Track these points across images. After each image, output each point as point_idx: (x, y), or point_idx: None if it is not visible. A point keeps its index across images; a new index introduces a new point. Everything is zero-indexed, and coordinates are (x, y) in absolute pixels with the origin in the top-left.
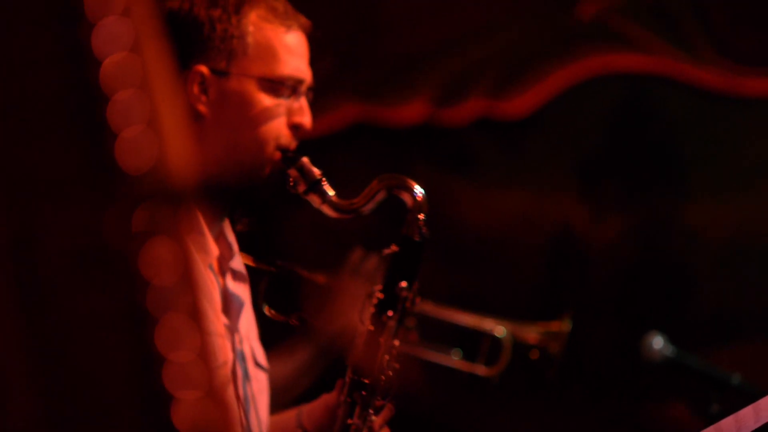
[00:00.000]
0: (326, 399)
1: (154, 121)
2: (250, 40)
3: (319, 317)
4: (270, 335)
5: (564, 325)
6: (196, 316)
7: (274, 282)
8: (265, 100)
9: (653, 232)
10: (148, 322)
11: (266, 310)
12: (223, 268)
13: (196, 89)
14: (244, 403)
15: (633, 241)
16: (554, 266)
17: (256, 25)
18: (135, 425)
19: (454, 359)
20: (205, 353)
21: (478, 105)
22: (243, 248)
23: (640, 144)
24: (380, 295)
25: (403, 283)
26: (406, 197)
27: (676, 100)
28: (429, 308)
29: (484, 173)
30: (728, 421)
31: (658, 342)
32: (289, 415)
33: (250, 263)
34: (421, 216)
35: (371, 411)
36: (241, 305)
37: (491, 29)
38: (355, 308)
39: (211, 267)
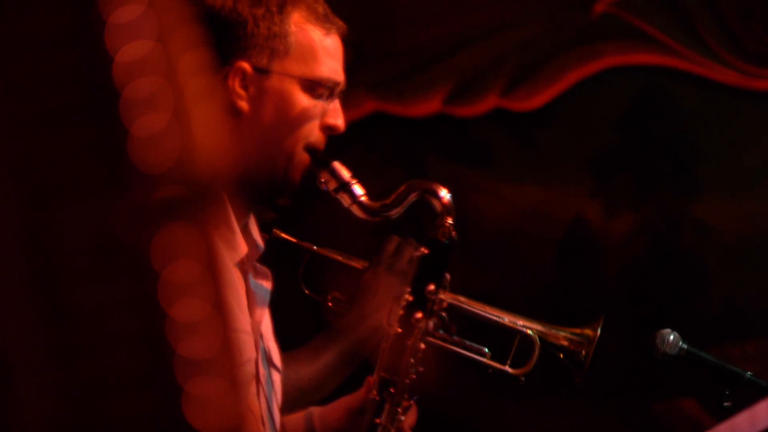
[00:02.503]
0: (346, 401)
1: (179, 114)
2: (292, 39)
3: (353, 307)
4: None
5: (595, 331)
6: (220, 308)
7: (311, 263)
8: (304, 100)
9: (665, 227)
10: (159, 314)
11: (303, 288)
12: (248, 265)
13: (237, 85)
14: (267, 399)
15: (645, 236)
16: (565, 260)
17: (298, 25)
18: (148, 418)
19: (482, 357)
20: (228, 348)
21: (494, 99)
22: (283, 228)
23: (653, 139)
24: (409, 297)
25: (432, 286)
26: (434, 201)
27: (689, 96)
28: (461, 303)
29: (497, 166)
30: (743, 417)
31: (670, 337)
32: (297, 417)
33: (293, 240)
34: (449, 219)
35: (399, 410)
36: (263, 303)
37: (507, 24)
38: (387, 307)
39: (237, 264)
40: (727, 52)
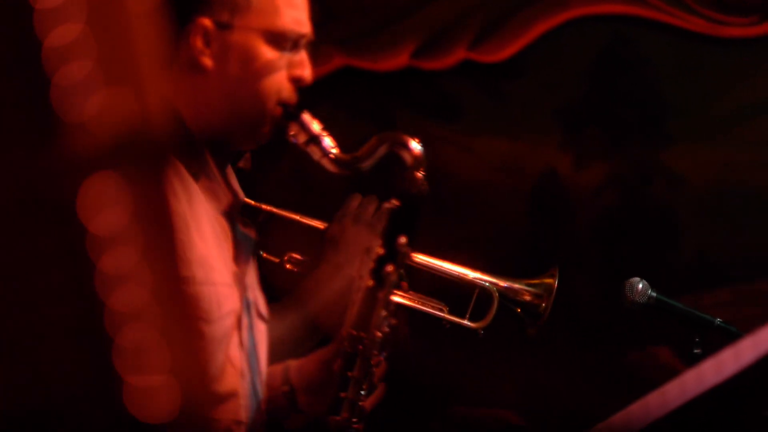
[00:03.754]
0: (320, 354)
1: (105, 63)
2: None
3: (324, 260)
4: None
5: (552, 281)
6: (165, 258)
7: (269, 224)
8: (268, 53)
9: (636, 178)
10: (87, 265)
11: (261, 252)
12: (233, 214)
13: (199, 42)
14: (248, 351)
15: (616, 187)
16: (537, 212)
17: None
18: (79, 370)
19: (441, 312)
20: (175, 298)
21: (461, 52)
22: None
23: (621, 89)
24: (380, 250)
25: (403, 238)
26: (404, 154)
27: (656, 45)
28: (418, 259)
29: (466, 120)
30: (709, 364)
31: (638, 286)
32: (273, 370)
33: (249, 202)
34: (420, 172)
35: (371, 363)
36: (249, 254)
37: None
38: (356, 260)
39: (224, 213)
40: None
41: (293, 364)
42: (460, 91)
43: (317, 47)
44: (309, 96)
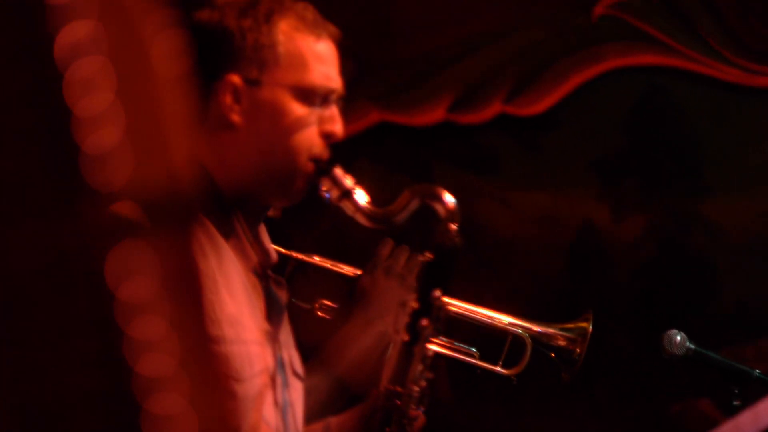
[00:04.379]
0: (358, 410)
1: (135, 129)
2: (281, 49)
3: (355, 313)
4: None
5: (586, 325)
6: (184, 320)
7: (301, 272)
8: (297, 108)
9: (674, 229)
10: (116, 333)
11: (291, 298)
12: (265, 273)
13: (228, 99)
14: (282, 409)
15: (654, 238)
16: (575, 265)
17: (286, 34)
18: None
19: (472, 358)
20: (199, 363)
21: (498, 105)
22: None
23: (658, 140)
24: (414, 304)
25: (437, 292)
26: (438, 207)
27: (692, 95)
28: (452, 309)
29: (504, 173)
30: (746, 416)
31: (677, 338)
32: (316, 429)
33: (279, 250)
34: (454, 225)
35: (405, 421)
36: (281, 312)
37: (508, 30)
38: (391, 312)
39: (255, 272)
40: (728, 50)
41: (334, 420)
42: (497, 144)
43: (353, 103)
44: (346, 151)
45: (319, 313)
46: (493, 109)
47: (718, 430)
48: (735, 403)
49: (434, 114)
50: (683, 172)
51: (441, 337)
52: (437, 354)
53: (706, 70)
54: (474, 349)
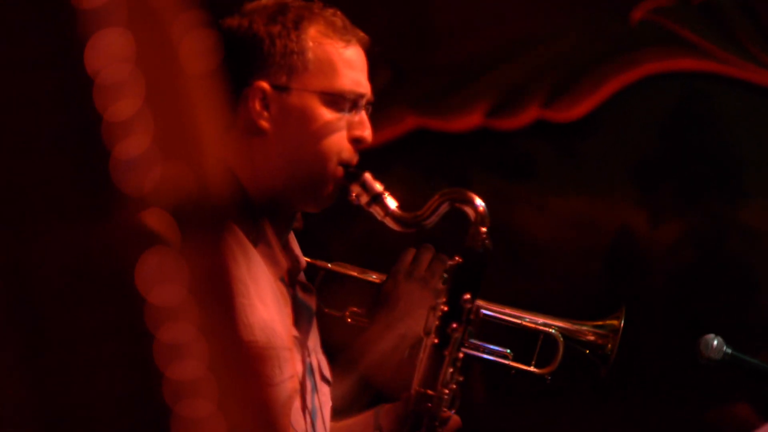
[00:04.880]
0: (395, 406)
1: (164, 135)
2: (310, 55)
3: (376, 317)
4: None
5: (617, 322)
6: (216, 325)
7: (331, 280)
8: (326, 114)
9: (712, 234)
10: (145, 338)
11: (321, 306)
12: (293, 280)
13: (257, 105)
14: (311, 414)
15: (691, 244)
16: (612, 271)
17: (315, 40)
18: None
19: (505, 359)
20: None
21: (535, 111)
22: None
23: (695, 145)
24: (444, 308)
25: (467, 295)
26: (468, 210)
27: (730, 100)
28: (482, 312)
29: (541, 179)
30: None
31: (713, 342)
32: (368, 415)
33: (308, 260)
34: (483, 228)
35: (437, 424)
36: (310, 317)
37: (546, 36)
38: (415, 314)
39: (282, 279)
40: (767, 54)
41: (384, 407)
42: (534, 150)
43: (390, 109)
44: (382, 158)
45: (349, 320)
46: (530, 114)
47: None
48: None
49: (471, 120)
50: (721, 177)
51: (473, 340)
52: (470, 356)
53: (745, 75)
54: (509, 350)
